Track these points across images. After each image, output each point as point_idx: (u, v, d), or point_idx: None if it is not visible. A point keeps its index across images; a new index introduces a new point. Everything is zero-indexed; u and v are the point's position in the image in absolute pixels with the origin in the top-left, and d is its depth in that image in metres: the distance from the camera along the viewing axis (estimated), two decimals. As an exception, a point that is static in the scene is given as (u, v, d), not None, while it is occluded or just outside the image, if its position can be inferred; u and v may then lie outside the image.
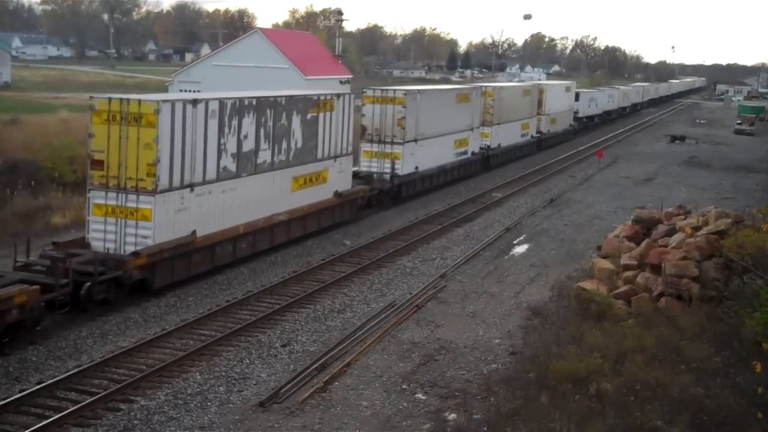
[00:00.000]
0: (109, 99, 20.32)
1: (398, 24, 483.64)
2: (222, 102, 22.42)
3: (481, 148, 44.39)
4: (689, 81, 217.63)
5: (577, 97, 68.97)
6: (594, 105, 77.58)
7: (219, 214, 22.55)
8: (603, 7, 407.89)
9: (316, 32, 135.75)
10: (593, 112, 78.17)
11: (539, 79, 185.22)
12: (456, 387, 16.01)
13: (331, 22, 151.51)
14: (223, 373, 16.27)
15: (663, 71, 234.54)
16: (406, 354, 17.73)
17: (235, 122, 22.97)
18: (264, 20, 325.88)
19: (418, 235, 29.00)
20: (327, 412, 14.78)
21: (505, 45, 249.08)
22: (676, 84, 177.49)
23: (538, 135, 56.09)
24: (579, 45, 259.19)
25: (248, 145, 23.69)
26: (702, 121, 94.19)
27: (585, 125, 72.78)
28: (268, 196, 24.73)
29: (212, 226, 22.23)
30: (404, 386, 16.03)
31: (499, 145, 47.54)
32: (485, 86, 45.86)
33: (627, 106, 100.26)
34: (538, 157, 53.16)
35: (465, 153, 41.72)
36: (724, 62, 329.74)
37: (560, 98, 62.22)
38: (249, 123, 23.64)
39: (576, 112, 68.62)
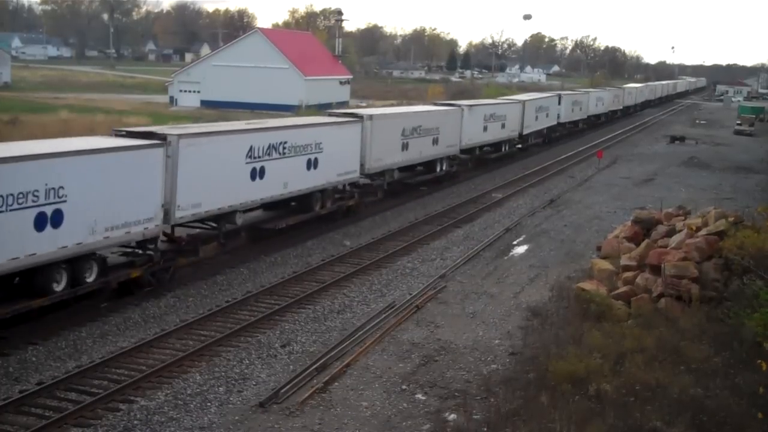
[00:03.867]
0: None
1: (398, 24, 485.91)
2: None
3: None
4: (670, 84, 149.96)
5: None
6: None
7: None
8: (603, 7, 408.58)
9: (316, 32, 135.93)
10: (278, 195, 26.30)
11: (539, 80, 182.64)
12: (456, 387, 16.01)
13: (331, 22, 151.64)
14: (223, 374, 16.28)
15: (663, 71, 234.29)
16: (406, 354, 17.74)
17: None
18: (264, 20, 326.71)
19: (417, 236, 29.00)
20: (327, 412, 14.78)
21: (505, 45, 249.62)
22: (639, 90, 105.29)
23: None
24: (579, 45, 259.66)
25: None
26: (702, 122, 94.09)
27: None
28: None
29: None
30: (404, 387, 16.03)
31: None
32: None
33: (506, 139, 48.80)
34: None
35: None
36: (724, 62, 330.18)
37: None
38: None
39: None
